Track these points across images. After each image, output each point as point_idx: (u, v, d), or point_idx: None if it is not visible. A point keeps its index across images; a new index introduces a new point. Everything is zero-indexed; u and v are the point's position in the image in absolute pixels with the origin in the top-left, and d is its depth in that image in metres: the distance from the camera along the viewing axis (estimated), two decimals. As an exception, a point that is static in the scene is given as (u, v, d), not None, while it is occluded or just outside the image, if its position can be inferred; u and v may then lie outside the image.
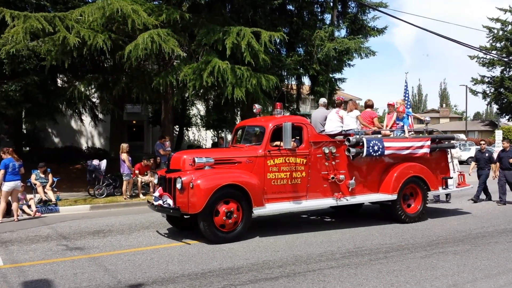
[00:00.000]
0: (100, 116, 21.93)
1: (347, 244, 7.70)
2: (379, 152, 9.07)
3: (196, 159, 7.90)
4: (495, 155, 13.23)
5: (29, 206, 10.93)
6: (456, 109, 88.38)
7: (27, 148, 24.11)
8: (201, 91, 15.14)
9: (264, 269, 6.22)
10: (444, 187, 10.37)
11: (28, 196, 11.33)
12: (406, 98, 13.16)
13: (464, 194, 13.28)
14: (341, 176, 8.87)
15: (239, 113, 20.10)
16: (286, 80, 19.49)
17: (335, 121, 9.68)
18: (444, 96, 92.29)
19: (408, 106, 12.53)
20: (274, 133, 8.45)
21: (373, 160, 9.39)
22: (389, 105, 10.67)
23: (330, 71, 18.88)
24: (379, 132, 9.88)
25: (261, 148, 8.34)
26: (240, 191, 7.82)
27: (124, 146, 13.59)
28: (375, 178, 9.49)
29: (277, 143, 8.40)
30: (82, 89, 15.23)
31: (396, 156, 9.52)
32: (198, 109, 26.44)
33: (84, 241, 8.16)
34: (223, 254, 7.06)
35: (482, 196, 13.10)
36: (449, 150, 10.79)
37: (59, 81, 18.86)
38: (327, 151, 8.76)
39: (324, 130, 9.70)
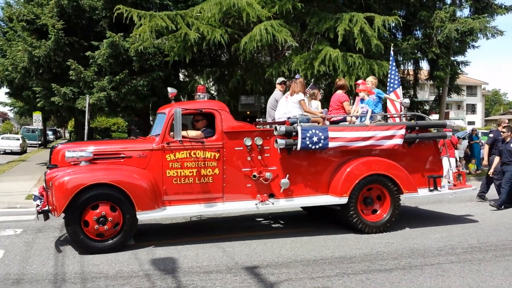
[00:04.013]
0: (218, 107, 23.07)
1: (470, 239, 7.22)
2: (321, 144, 7.25)
3: (66, 153, 6.82)
4: None
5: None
6: None
7: (154, 138, 26.34)
8: (312, 80, 15.16)
9: (378, 260, 6.12)
10: (431, 188, 8.10)
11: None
12: (392, 77, 10.52)
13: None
14: (268, 174, 7.21)
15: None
16: (402, 66, 18.63)
17: (282, 107, 8.11)
18: None
19: (396, 86, 10.26)
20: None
21: (321, 154, 7.59)
22: (356, 84, 8.75)
23: (451, 54, 17.64)
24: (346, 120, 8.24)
25: (157, 140, 7.08)
26: (119, 192, 6.62)
27: None
28: (325, 176, 7.63)
29: (183, 133, 6.96)
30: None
31: (352, 149, 7.60)
32: (310, 98, 26.49)
33: (207, 224, 8.70)
34: (335, 242, 7.08)
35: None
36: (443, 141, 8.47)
37: (181, 75, 20.22)
38: (249, 143, 7.21)
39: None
